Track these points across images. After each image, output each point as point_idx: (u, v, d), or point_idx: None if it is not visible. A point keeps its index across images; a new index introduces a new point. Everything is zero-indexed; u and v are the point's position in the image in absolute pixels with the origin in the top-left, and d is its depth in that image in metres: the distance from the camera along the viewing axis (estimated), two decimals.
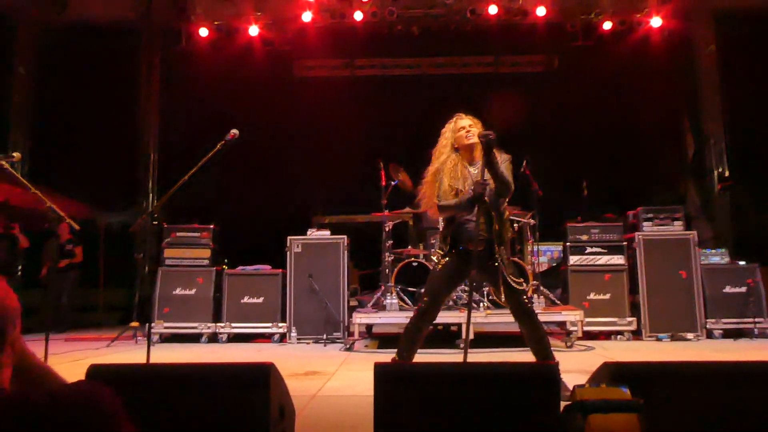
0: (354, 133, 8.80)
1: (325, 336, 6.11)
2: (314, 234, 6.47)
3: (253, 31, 8.55)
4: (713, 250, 6.70)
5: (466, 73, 9.59)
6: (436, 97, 8.73)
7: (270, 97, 8.88)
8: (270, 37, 8.69)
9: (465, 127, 3.54)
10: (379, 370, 2.20)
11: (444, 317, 5.46)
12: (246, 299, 6.53)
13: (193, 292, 6.57)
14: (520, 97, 8.70)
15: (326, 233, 6.45)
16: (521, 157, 5.98)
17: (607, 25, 8.54)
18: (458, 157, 3.55)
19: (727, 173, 8.90)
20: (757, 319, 6.24)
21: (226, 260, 6.93)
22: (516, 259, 5.67)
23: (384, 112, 8.86)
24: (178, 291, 6.57)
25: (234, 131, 3.83)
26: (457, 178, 3.47)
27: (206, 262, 6.70)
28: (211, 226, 6.81)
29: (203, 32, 8.57)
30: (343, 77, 9.64)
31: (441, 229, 3.63)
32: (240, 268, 6.74)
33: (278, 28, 8.64)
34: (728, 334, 6.28)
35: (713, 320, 6.28)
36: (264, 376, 2.16)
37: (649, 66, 8.79)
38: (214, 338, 6.49)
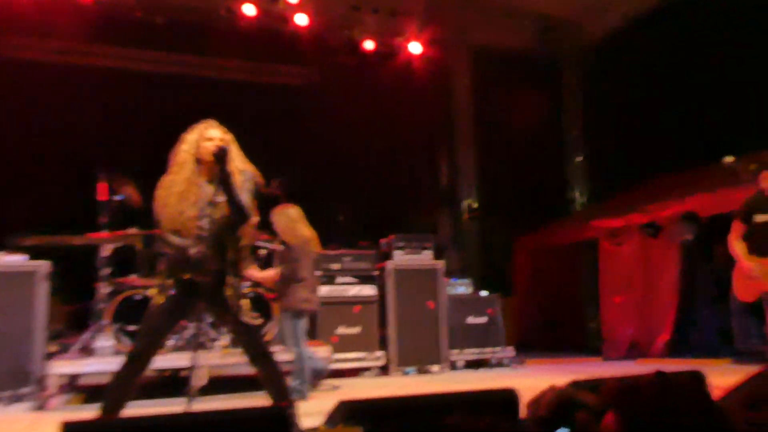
0: (71, 135, 8.02)
1: (9, 393, 5.32)
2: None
3: None
4: (459, 281, 7.60)
5: (220, 77, 9.48)
6: (180, 100, 8.44)
7: None
8: None
9: (214, 139, 3.45)
10: (68, 429, 2.02)
11: (171, 361, 5.26)
12: None
13: None
14: (278, 110, 8.90)
15: (20, 258, 5.70)
16: (273, 175, 6.08)
17: (369, 45, 9.23)
18: (198, 172, 3.47)
19: (475, 204, 10.24)
20: (495, 349, 7.22)
21: None
22: (260, 290, 5.71)
23: (111, 113, 8.28)
24: None
25: None
26: (187, 199, 3.38)
27: None
28: None
29: None
30: (63, 64, 8.77)
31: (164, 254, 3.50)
32: None
33: None
34: (471, 364, 7.13)
35: (457, 351, 7.08)
36: None
37: (411, 92, 9.68)
38: None
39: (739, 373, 2.53)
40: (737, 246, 4.72)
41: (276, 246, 6.20)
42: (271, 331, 5.62)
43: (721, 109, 7.56)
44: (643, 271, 7.70)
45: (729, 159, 4.69)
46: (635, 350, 7.64)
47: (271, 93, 9.54)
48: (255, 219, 3.63)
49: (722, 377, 2.75)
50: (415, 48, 9.48)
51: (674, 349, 7.31)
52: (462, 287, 7.54)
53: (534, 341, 9.06)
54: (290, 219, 5.28)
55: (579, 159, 11.04)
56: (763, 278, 4.53)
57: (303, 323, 5.12)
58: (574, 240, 8.97)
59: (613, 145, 9.87)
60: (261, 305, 5.55)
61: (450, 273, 7.63)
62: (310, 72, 9.98)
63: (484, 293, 7.57)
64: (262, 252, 6.12)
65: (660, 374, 1.37)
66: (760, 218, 4.62)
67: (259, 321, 3.56)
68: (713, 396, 1.49)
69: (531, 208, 10.12)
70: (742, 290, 4.84)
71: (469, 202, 10.34)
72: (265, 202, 4.99)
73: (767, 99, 7.19)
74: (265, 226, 5.44)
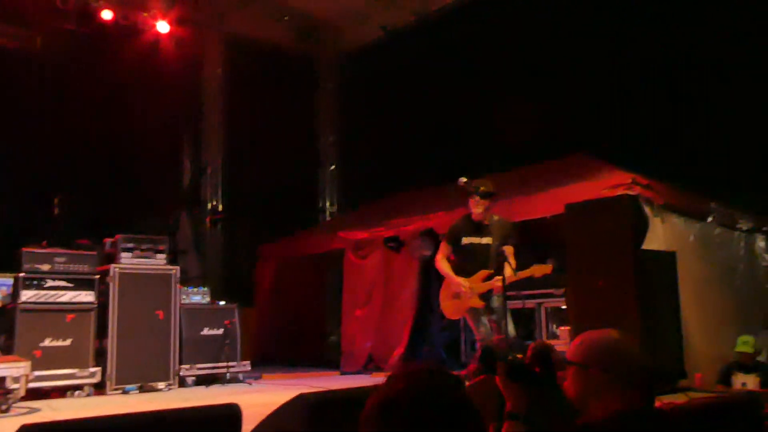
0: None
1: None
2: None
3: None
4: (195, 289, 7.36)
5: None
6: None
7: None
8: None
9: None
10: None
11: None
12: None
13: None
14: None
15: None
16: None
17: (107, 15, 8.59)
18: None
19: (220, 207, 10.03)
20: (230, 363, 7.11)
21: None
22: None
23: None
24: None
25: None
26: None
27: None
28: None
29: None
30: None
31: None
32: None
33: None
34: (202, 380, 6.93)
35: (188, 366, 6.84)
36: None
37: (156, 76, 9.18)
38: None
39: None
40: (444, 265, 5.19)
41: None
42: None
43: (461, 130, 8.42)
44: (385, 284, 8.18)
45: (463, 180, 5.14)
46: (372, 364, 8.08)
47: None
48: None
49: None
50: (162, 27, 9.03)
51: (407, 363, 7.87)
52: (198, 296, 7.33)
53: (275, 354, 9.13)
54: None
55: (332, 167, 11.46)
56: (469, 296, 5.02)
57: None
58: (321, 250, 9.22)
59: (366, 156, 10.41)
60: None
61: (187, 280, 7.40)
62: (29, 35, 8.94)
63: (222, 303, 7.44)
64: None
65: (432, 369, 1.40)
66: (466, 240, 5.15)
67: None
68: None
69: (279, 215, 10.22)
70: (448, 309, 5.34)
71: (214, 204, 10.12)
72: None
73: (502, 124, 8.20)
74: None
